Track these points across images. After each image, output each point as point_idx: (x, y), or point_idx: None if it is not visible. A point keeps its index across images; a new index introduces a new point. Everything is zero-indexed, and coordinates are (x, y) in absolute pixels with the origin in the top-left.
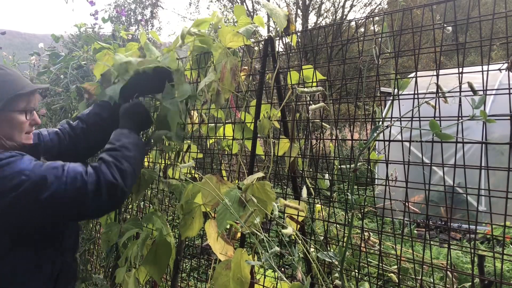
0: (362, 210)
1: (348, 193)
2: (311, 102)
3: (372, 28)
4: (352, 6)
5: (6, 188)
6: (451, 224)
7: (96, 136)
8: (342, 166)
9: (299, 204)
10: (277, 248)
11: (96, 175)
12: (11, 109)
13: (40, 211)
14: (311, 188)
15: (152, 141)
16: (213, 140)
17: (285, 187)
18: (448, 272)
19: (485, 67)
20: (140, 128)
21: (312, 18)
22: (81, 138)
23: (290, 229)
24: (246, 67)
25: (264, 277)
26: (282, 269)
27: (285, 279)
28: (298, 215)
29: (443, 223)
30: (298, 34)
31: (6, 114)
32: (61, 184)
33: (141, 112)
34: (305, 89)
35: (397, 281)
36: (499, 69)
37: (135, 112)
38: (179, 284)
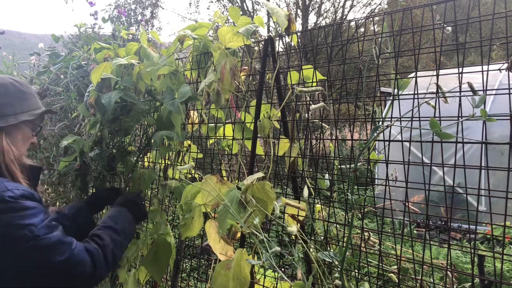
0: (362, 210)
1: (348, 193)
2: (311, 102)
3: (372, 28)
4: (352, 6)
5: (8, 234)
6: (451, 224)
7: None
8: (342, 166)
9: (305, 203)
10: (278, 248)
11: (94, 267)
12: (29, 123)
13: (28, 274)
14: (311, 188)
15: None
16: (213, 140)
17: (285, 187)
18: (448, 272)
19: (485, 67)
20: (137, 219)
21: (312, 18)
22: None
23: (295, 228)
24: (246, 67)
25: (264, 277)
26: (282, 269)
27: (286, 278)
28: (298, 215)
29: (443, 223)
30: (298, 34)
31: (25, 126)
32: (63, 265)
33: (142, 207)
34: (304, 89)
35: (397, 281)
36: (499, 69)
37: (139, 205)
38: (179, 284)
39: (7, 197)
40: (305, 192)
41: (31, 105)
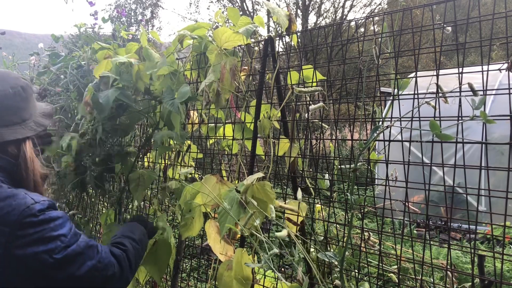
0: (362, 210)
1: (348, 193)
2: (311, 102)
3: (372, 28)
4: (352, 6)
5: (39, 249)
6: (451, 224)
7: None
8: (342, 166)
9: (299, 205)
10: (276, 250)
11: (121, 269)
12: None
13: (61, 282)
14: (311, 188)
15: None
16: (213, 140)
17: (285, 187)
18: (448, 272)
19: (485, 67)
20: (149, 234)
21: (312, 18)
22: None
23: (285, 232)
24: (246, 67)
25: (264, 277)
26: (282, 269)
27: (284, 280)
28: (298, 215)
29: (443, 223)
30: (298, 34)
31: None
32: (95, 270)
33: (151, 224)
34: (303, 89)
35: (397, 281)
36: (499, 69)
37: (148, 222)
38: (179, 284)
39: (38, 211)
40: (299, 194)
41: (40, 105)
